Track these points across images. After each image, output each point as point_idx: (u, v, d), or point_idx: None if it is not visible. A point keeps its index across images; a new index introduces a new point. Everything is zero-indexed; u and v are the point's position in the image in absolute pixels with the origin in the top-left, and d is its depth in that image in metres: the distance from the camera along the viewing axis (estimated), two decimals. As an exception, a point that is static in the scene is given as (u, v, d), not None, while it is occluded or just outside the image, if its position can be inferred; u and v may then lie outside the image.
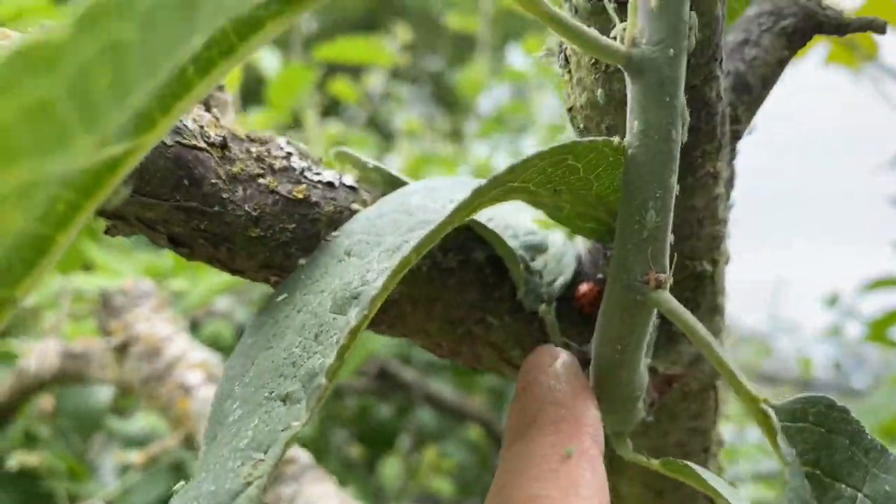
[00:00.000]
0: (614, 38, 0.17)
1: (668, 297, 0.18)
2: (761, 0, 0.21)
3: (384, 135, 1.64)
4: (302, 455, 0.45)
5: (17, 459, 0.80)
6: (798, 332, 2.73)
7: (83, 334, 0.60)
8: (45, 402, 0.83)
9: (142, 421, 0.90)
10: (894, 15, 0.93)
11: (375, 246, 0.18)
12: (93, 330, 0.58)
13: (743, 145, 0.23)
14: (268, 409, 0.16)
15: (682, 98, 0.16)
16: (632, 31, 0.16)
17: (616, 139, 0.17)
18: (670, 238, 0.18)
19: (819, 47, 0.96)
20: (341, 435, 1.27)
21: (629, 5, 0.17)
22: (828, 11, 0.21)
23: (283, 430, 0.15)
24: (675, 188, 0.17)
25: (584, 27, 0.17)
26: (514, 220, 0.22)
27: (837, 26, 0.21)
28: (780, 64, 0.21)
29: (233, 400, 0.19)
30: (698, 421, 0.27)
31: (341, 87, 1.37)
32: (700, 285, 0.20)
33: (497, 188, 0.17)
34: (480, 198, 0.17)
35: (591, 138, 0.18)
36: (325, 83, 1.35)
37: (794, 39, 0.21)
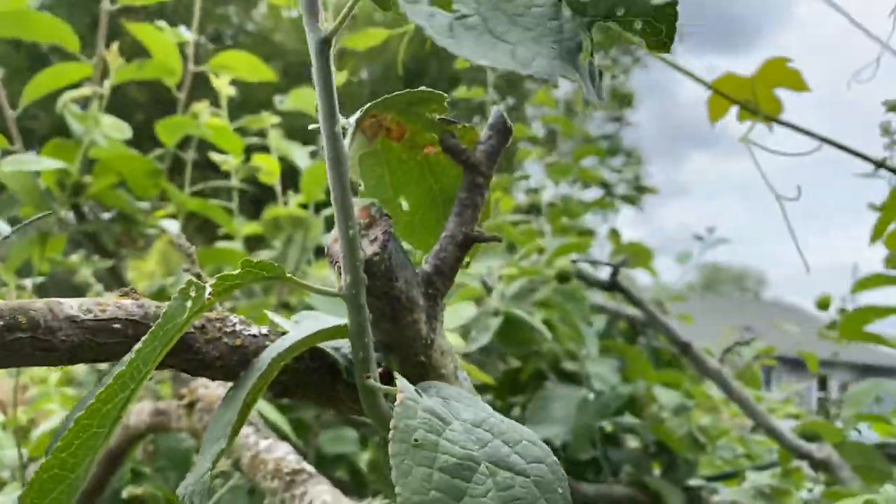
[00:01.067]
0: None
1: (380, 386, 0.38)
2: (450, 225, 0.43)
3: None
4: (308, 467, 0.68)
5: (128, 491, 1.06)
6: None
7: (164, 397, 0.85)
8: (147, 446, 1.10)
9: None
10: (792, 79, 1.11)
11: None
12: (169, 394, 0.83)
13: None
14: (219, 437, 0.38)
15: (365, 304, 0.37)
16: (339, 283, 0.38)
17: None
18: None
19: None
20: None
21: (338, 271, 0.38)
22: (484, 233, 0.42)
23: (217, 445, 0.37)
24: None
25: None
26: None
27: (490, 239, 0.42)
28: (458, 259, 0.42)
29: (216, 428, 0.41)
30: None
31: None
32: (423, 367, 0.41)
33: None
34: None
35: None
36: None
37: (465, 247, 0.42)
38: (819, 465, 1.51)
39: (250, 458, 0.68)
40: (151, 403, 0.80)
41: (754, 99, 1.06)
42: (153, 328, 0.33)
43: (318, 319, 0.41)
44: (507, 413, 1.53)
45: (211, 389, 0.73)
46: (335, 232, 0.38)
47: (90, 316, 0.36)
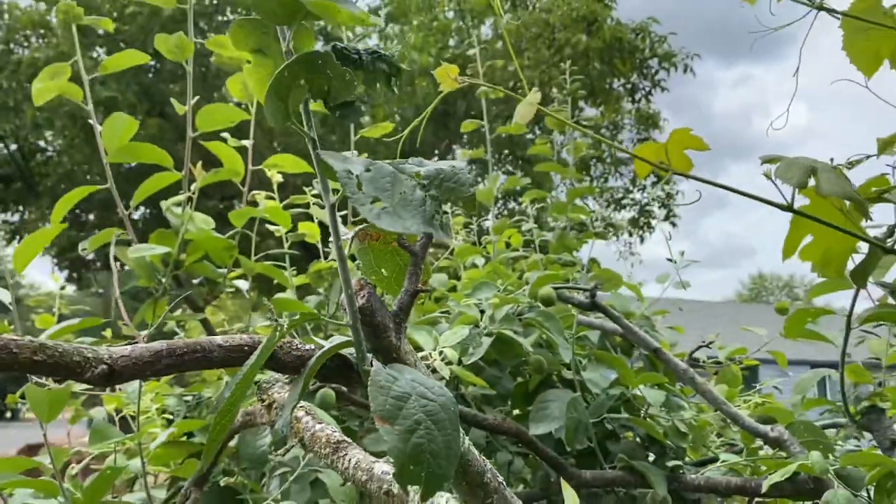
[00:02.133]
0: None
1: (370, 368, 0.75)
2: (406, 284, 0.80)
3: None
4: (348, 439, 1.06)
5: (224, 481, 1.45)
6: None
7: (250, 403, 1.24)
8: (232, 451, 1.49)
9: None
10: (696, 142, 1.46)
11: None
12: (253, 400, 1.22)
13: None
14: (293, 400, 0.75)
15: (360, 329, 0.73)
16: (346, 318, 0.75)
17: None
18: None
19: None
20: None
21: (345, 312, 0.75)
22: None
23: (291, 403, 0.74)
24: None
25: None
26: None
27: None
28: (411, 303, 0.79)
29: (290, 397, 0.78)
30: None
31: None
32: (395, 360, 0.78)
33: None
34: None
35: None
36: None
37: (414, 296, 0.79)
38: (774, 442, 1.83)
39: (310, 436, 1.06)
40: (241, 409, 1.19)
41: (667, 160, 1.41)
42: (261, 347, 0.72)
43: (338, 338, 0.79)
44: (526, 417, 1.88)
45: (282, 394, 1.12)
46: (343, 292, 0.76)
47: (228, 344, 0.75)
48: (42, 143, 12.71)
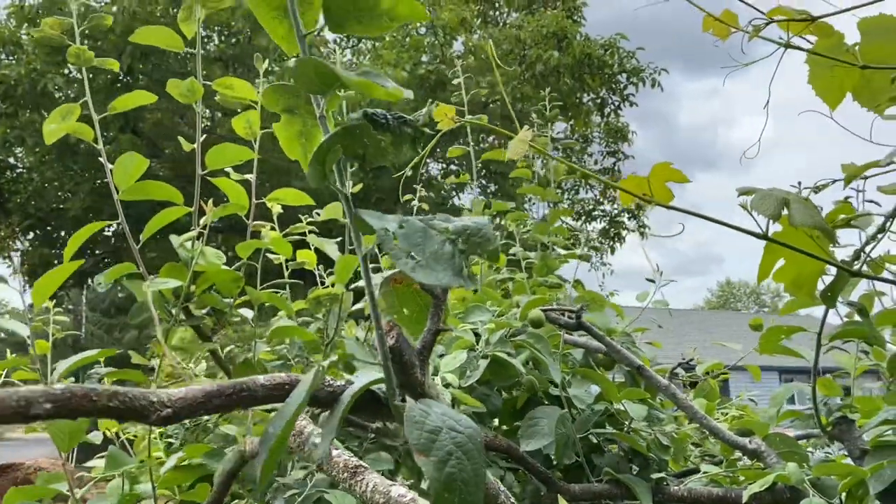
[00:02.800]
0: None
1: (401, 404, 0.83)
2: (428, 323, 0.87)
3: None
4: (364, 464, 1.13)
5: (234, 504, 1.51)
6: None
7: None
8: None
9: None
10: (676, 175, 1.57)
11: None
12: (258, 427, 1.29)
13: None
14: (329, 432, 0.82)
15: (391, 367, 0.81)
16: (377, 357, 0.83)
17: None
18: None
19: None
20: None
21: (375, 352, 0.83)
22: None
23: (328, 436, 0.81)
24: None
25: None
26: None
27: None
28: (433, 341, 0.87)
29: (326, 429, 0.86)
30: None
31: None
32: (420, 394, 0.85)
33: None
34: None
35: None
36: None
37: (436, 334, 0.87)
38: (752, 454, 1.94)
39: (329, 461, 1.13)
40: (253, 437, 1.26)
41: (650, 192, 1.51)
42: (305, 386, 0.79)
43: (367, 375, 0.87)
44: (513, 433, 1.97)
45: (302, 422, 1.19)
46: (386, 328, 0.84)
47: (270, 383, 0.83)
48: (12, 160, 12.57)
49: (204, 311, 1.57)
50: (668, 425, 2.19)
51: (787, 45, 1.69)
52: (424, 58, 11.50)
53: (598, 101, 12.55)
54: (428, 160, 13.42)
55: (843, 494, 1.75)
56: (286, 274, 1.80)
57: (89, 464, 1.95)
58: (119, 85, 10.74)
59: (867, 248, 1.63)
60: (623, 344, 2.21)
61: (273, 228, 1.76)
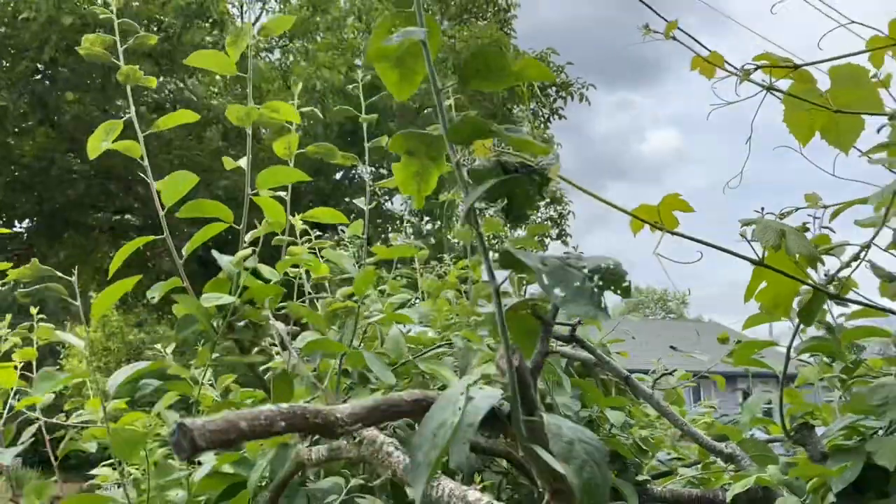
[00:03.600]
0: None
1: (528, 418, 0.94)
2: (539, 346, 0.99)
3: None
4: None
5: None
6: None
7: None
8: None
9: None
10: (683, 205, 1.73)
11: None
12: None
13: None
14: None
15: (517, 387, 0.92)
16: (500, 377, 0.94)
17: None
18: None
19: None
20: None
21: (502, 372, 0.94)
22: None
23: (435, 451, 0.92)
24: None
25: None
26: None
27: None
28: (543, 361, 0.98)
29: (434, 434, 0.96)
30: None
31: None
32: (534, 408, 0.97)
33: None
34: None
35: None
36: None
37: (546, 355, 0.98)
38: (727, 457, 2.13)
39: (401, 468, 1.23)
40: (326, 444, 1.34)
41: (660, 219, 1.67)
42: (450, 404, 0.90)
43: (492, 392, 0.97)
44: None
45: (372, 431, 1.27)
46: (501, 351, 0.95)
47: (412, 399, 0.92)
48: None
49: (242, 324, 1.63)
50: (644, 430, 2.37)
51: (770, 88, 1.89)
52: (359, 61, 11.53)
53: (530, 112, 12.91)
54: (359, 163, 13.42)
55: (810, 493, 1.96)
56: (307, 288, 1.87)
57: (94, 471, 1.97)
58: (40, 76, 10.30)
59: (842, 274, 1.84)
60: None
61: (293, 243, 1.83)
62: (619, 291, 0.86)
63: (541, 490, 0.99)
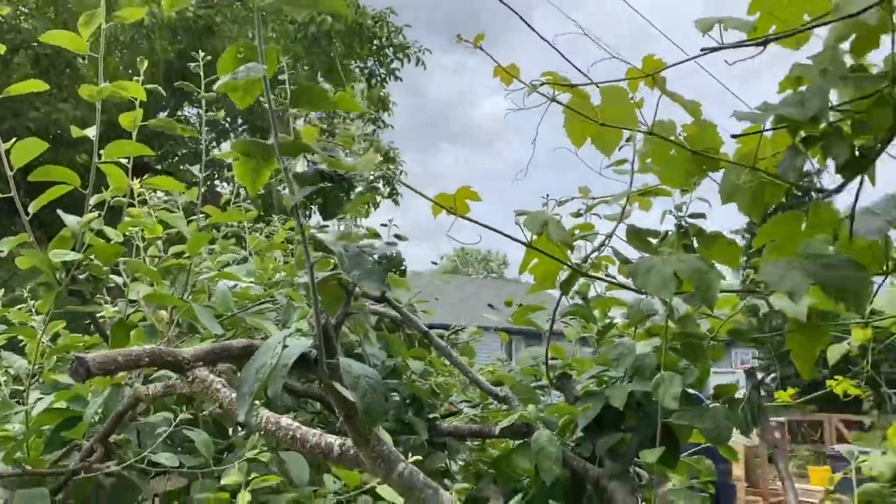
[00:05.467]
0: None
1: (330, 361, 1.27)
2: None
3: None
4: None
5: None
6: None
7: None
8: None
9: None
10: (473, 196, 2.13)
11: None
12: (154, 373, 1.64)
13: None
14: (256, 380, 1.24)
15: (322, 342, 1.25)
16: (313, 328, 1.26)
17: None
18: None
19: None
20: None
21: (313, 328, 1.26)
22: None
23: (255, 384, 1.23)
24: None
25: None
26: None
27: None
28: (344, 319, 1.31)
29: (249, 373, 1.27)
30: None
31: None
32: (333, 352, 1.30)
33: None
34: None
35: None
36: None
37: (338, 329, 1.32)
38: (501, 399, 2.60)
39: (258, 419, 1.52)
40: (162, 383, 1.60)
41: (454, 206, 2.05)
42: (276, 346, 1.21)
43: (297, 342, 1.29)
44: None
45: (204, 371, 1.55)
46: (311, 312, 1.27)
47: (240, 345, 1.22)
48: None
49: (83, 277, 1.83)
50: (439, 378, 2.80)
51: (552, 100, 2.32)
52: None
53: (367, 70, 13.08)
54: (185, 104, 13.02)
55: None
56: (142, 246, 2.08)
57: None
58: None
59: (592, 256, 2.33)
60: (412, 312, 2.76)
61: (132, 205, 2.03)
62: (397, 272, 1.21)
63: (338, 416, 1.34)
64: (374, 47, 12.50)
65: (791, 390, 3.54)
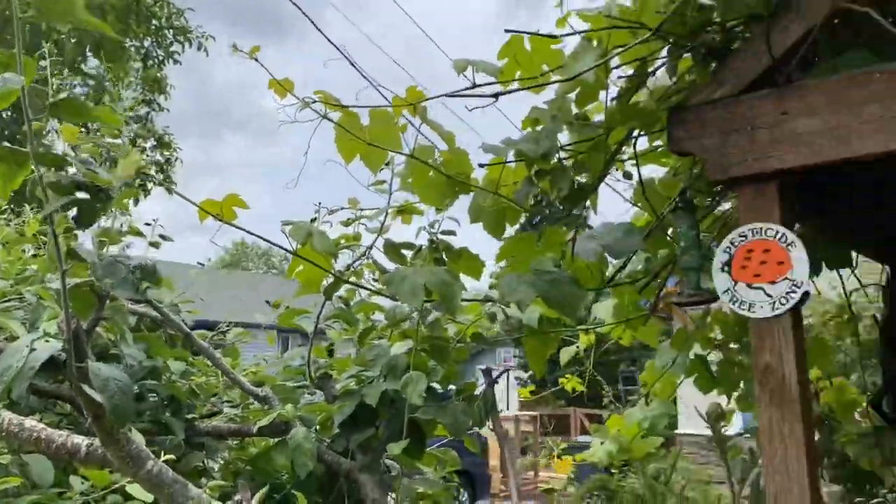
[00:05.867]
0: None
1: (78, 364, 1.31)
2: None
3: None
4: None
5: None
6: None
7: None
8: None
9: None
10: (240, 202, 2.22)
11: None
12: None
13: None
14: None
15: (72, 346, 1.29)
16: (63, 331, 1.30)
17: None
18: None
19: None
20: None
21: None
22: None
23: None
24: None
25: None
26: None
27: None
28: (96, 324, 1.35)
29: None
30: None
31: None
32: (83, 355, 1.34)
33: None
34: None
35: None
36: None
37: (89, 334, 1.36)
38: (262, 399, 2.69)
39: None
40: None
41: (221, 212, 2.11)
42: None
43: (46, 345, 1.32)
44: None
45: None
46: (62, 316, 1.30)
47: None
48: None
49: None
50: (201, 378, 2.82)
51: (324, 117, 2.47)
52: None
53: (143, 50, 12.30)
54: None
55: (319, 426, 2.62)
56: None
57: None
58: None
59: (355, 265, 2.51)
60: (175, 312, 2.77)
61: None
62: (152, 281, 1.28)
63: (87, 416, 1.38)
64: (154, 27, 11.82)
65: (531, 387, 4.00)
